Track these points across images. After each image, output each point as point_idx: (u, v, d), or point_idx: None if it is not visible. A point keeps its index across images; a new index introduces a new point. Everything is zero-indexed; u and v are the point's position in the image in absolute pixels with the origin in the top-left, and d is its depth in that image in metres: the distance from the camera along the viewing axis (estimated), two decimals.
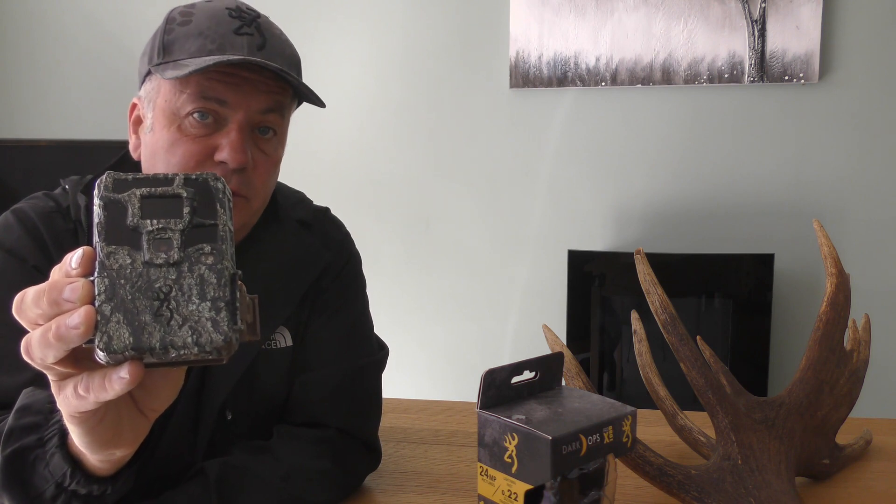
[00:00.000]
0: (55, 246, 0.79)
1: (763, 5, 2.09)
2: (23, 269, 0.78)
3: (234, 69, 0.76)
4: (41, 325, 0.43)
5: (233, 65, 0.75)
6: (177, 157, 0.76)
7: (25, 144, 2.41)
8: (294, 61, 0.83)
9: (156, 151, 0.78)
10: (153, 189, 0.44)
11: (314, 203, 0.99)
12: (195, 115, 0.76)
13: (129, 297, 0.42)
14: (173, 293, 0.43)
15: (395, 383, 2.26)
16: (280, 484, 0.80)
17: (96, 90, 2.53)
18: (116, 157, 0.86)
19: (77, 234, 0.80)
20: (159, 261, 0.43)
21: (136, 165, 0.83)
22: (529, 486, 0.57)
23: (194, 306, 0.43)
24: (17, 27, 2.56)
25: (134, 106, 0.83)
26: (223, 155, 0.76)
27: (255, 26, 0.78)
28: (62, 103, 2.56)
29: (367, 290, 1.00)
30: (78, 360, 0.45)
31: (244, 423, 0.86)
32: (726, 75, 2.13)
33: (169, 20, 0.79)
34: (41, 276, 0.77)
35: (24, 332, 0.45)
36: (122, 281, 0.42)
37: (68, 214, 0.81)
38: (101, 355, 0.42)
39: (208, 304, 0.43)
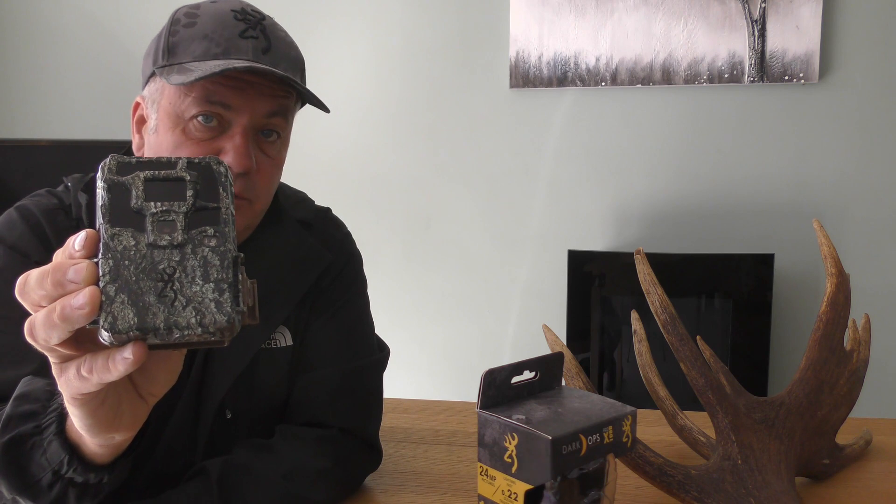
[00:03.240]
0: (58, 243, 0.79)
1: (763, 5, 2.09)
2: (26, 264, 0.78)
3: (239, 73, 0.76)
4: (44, 306, 0.43)
5: (238, 70, 0.75)
6: None
7: (25, 144, 2.41)
8: (299, 64, 0.83)
9: (159, 153, 0.78)
10: (157, 172, 0.45)
11: (315, 203, 0.99)
12: (200, 118, 0.76)
13: (134, 279, 0.42)
14: (177, 274, 0.43)
15: (396, 383, 2.26)
16: (281, 483, 0.80)
17: (96, 90, 2.53)
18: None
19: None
20: (163, 242, 0.43)
21: None
22: (529, 486, 0.57)
23: (198, 287, 0.43)
24: (17, 27, 2.56)
25: (137, 105, 0.83)
26: (227, 159, 0.76)
27: (259, 29, 0.78)
28: (62, 103, 2.56)
29: (368, 290, 1.00)
30: (80, 341, 0.45)
31: (244, 422, 0.86)
32: (726, 75, 2.13)
33: (174, 21, 0.79)
34: None
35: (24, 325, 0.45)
36: (127, 262, 0.43)
37: (70, 212, 0.81)
38: (105, 336, 0.42)
39: (211, 285, 0.43)
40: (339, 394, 0.89)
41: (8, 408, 0.62)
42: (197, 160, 0.46)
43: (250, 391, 0.86)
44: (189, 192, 0.45)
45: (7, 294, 0.76)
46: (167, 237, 0.43)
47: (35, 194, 0.84)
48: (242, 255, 0.45)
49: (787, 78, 2.10)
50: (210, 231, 0.44)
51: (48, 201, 0.82)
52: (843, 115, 2.13)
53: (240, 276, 0.45)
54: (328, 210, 1.00)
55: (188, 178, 0.45)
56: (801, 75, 2.09)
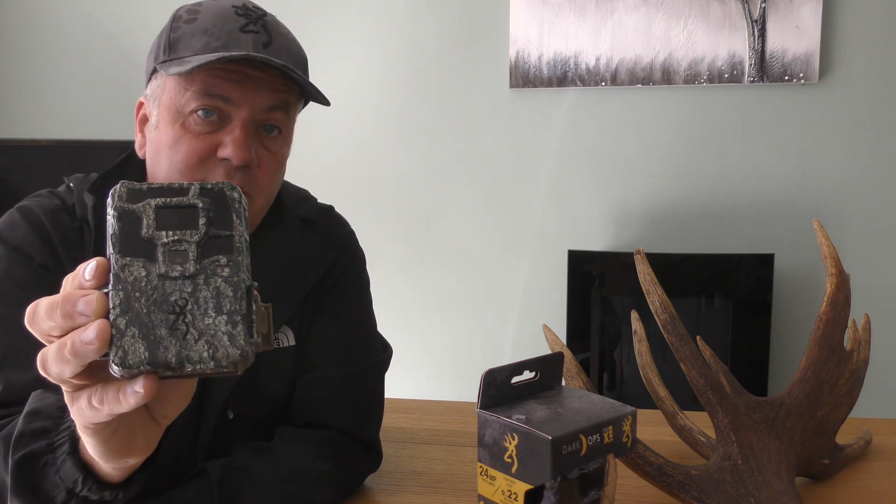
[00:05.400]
0: (61, 243, 0.79)
1: (763, 5, 2.09)
2: (29, 266, 0.78)
3: (238, 66, 0.76)
4: (55, 336, 0.43)
5: (236, 61, 0.75)
6: (180, 155, 0.76)
7: (25, 144, 2.41)
8: (300, 60, 0.82)
9: (160, 149, 0.78)
10: (168, 199, 0.44)
11: (318, 201, 0.99)
12: (199, 112, 0.76)
13: (145, 311, 0.42)
14: (189, 306, 0.42)
15: (396, 383, 2.26)
16: (281, 485, 0.80)
17: (95, 90, 2.53)
18: (121, 156, 0.86)
19: (83, 233, 0.80)
20: (175, 273, 0.43)
21: (141, 164, 0.84)
22: (529, 486, 0.57)
23: (210, 320, 0.42)
24: (16, 27, 2.56)
25: (141, 105, 0.83)
26: (227, 152, 0.76)
27: (261, 24, 0.78)
28: (61, 103, 2.56)
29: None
30: (92, 370, 0.44)
31: (246, 422, 0.86)
32: (726, 75, 2.13)
33: (175, 18, 0.79)
34: (48, 273, 0.77)
35: None
36: (138, 294, 0.42)
37: (74, 212, 0.81)
38: (115, 369, 0.41)
39: (224, 317, 0.43)
40: (340, 394, 0.89)
41: (19, 424, 0.62)
42: (210, 185, 0.45)
43: (253, 391, 0.85)
44: (201, 220, 0.44)
45: (12, 296, 0.76)
46: (179, 268, 0.43)
47: (37, 194, 0.84)
48: (256, 283, 0.44)
49: (787, 78, 2.10)
50: (223, 260, 0.44)
51: (50, 202, 0.82)
52: (843, 115, 2.13)
53: (253, 306, 0.44)
54: (331, 208, 0.99)
55: (200, 205, 0.44)
56: (801, 75, 2.09)
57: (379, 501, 0.88)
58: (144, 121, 0.83)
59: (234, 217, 0.45)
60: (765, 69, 2.11)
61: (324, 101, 0.81)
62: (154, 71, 0.80)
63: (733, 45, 2.12)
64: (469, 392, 2.29)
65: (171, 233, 0.43)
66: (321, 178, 2.38)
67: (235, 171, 0.77)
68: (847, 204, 2.15)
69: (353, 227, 1.00)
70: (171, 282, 0.42)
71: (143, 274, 0.42)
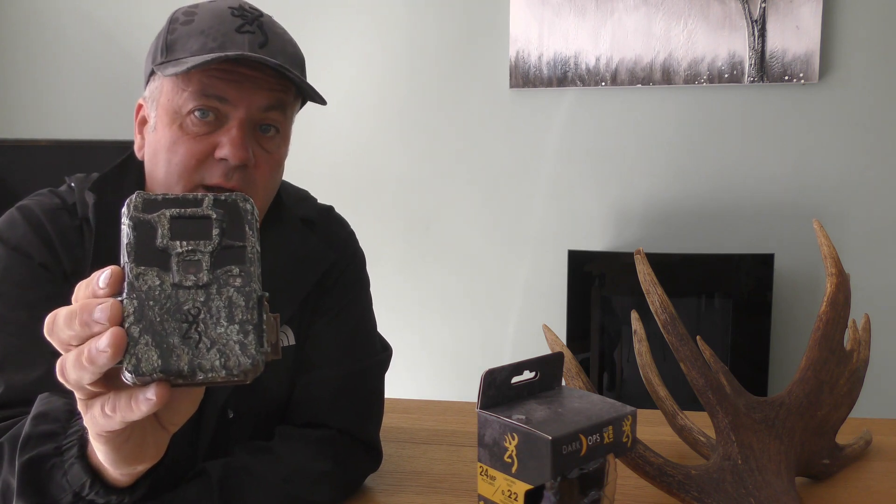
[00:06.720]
0: (61, 243, 0.79)
1: (763, 5, 2.09)
2: (29, 265, 0.78)
3: (234, 66, 0.76)
4: (73, 346, 0.43)
5: (231, 61, 0.75)
6: (178, 156, 0.76)
7: (25, 144, 2.41)
8: (297, 60, 0.82)
9: (158, 150, 0.78)
10: (183, 210, 0.45)
11: (318, 201, 0.99)
12: (196, 113, 0.76)
13: (158, 319, 0.42)
14: (202, 315, 0.43)
15: (396, 383, 2.26)
16: (281, 485, 0.80)
17: (95, 90, 2.53)
18: (121, 156, 0.86)
19: (83, 232, 0.80)
20: (188, 283, 0.43)
21: (141, 165, 0.84)
22: (529, 486, 0.57)
23: (222, 329, 0.43)
24: (16, 27, 2.56)
25: (140, 107, 0.84)
26: (224, 152, 0.76)
27: (257, 25, 0.78)
28: (61, 103, 2.56)
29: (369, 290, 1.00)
30: (108, 378, 0.45)
31: (246, 422, 0.86)
32: (726, 75, 2.13)
33: (172, 20, 0.79)
34: (47, 273, 0.78)
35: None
36: (151, 303, 0.43)
37: (74, 211, 0.81)
38: (128, 377, 0.42)
39: (236, 326, 0.43)
40: (340, 395, 0.89)
41: (27, 426, 0.62)
42: (223, 197, 0.46)
43: (252, 391, 0.85)
44: (215, 231, 0.45)
45: (11, 296, 0.76)
46: (192, 277, 0.44)
47: (37, 194, 0.84)
48: (267, 294, 0.45)
49: (787, 78, 2.10)
50: (235, 270, 0.44)
51: (50, 201, 0.82)
52: (843, 115, 2.13)
53: (264, 316, 0.44)
54: (331, 208, 0.99)
55: (214, 216, 0.45)
56: (801, 75, 2.09)
57: (379, 501, 0.88)
58: (143, 122, 0.83)
59: (247, 228, 0.45)
60: (765, 69, 2.11)
61: (320, 100, 0.81)
62: (152, 73, 0.80)
63: (733, 45, 2.12)
64: (469, 392, 2.29)
65: (185, 243, 0.44)
66: (321, 178, 2.38)
67: (233, 170, 0.77)
68: (847, 204, 2.15)
69: (353, 227, 1.00)
70: (184, 291, 0.43)
71: (157, 283, 0.43)
